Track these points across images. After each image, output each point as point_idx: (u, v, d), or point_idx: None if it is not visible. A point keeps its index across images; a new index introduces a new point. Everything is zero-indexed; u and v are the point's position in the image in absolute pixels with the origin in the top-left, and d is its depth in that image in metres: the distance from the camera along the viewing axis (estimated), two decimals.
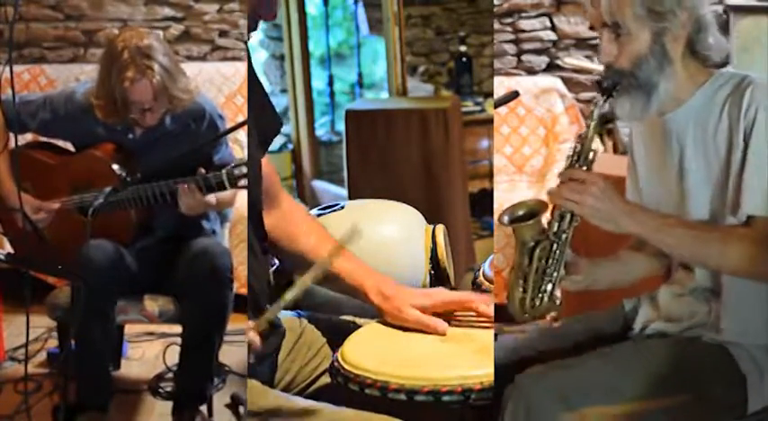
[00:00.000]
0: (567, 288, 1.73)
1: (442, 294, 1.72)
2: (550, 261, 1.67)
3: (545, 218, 1.68)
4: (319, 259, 1.73)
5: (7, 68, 2.05)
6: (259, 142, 1.78)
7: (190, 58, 4.11)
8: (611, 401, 1.61)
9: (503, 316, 1.77)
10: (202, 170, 2.43)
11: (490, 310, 1.66)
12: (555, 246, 1.66)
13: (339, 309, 2.01)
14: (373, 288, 1.72)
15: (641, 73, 1.65)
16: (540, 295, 1.68)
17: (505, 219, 1.68)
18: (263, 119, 1.78)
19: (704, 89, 1.69)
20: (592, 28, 3.84)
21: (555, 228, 1.65)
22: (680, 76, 1.68)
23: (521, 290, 1.69)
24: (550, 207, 1.67)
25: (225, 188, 2.42)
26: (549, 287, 1.68)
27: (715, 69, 1.71)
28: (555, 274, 1.67)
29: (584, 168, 1.64)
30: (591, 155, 1.65)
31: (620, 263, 1.87)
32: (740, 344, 1.68)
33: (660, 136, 1.76)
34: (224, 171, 2.40)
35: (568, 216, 1.64)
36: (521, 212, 1.68)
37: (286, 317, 1.83)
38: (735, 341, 1.69)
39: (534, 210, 1.67)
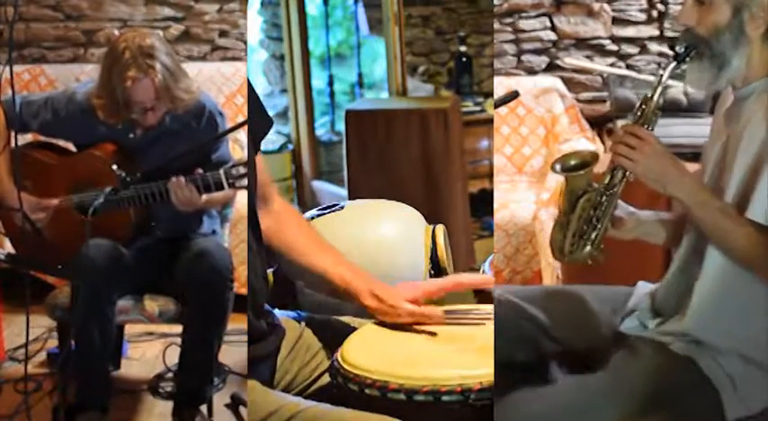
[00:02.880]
0: (615, 236, 1.80)
1: (429, 283, 1.76)
2: (597, 211, 1.73)
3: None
4: (311, 264, 1.75)
5: (7, 68, 2.05)
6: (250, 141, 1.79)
7: (190, 58, 4.12)
8: None
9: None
10: (200, 170, 2.42)
11: (481, 280, 1.70)
12: (603, 198, 1.72)
13: (338, 309, 2.01)
14: (365, 291, 1.73)
15: (717, 44, 1.68)
16: (583, 242, 1.75)
17: (557, 167, 1.75)
18: (252, 117, 1.79)
19: (765, 81, 1.70)
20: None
21: (606, 181, 1.71)
22: (754, 58, 1.69)
23: (561, 235, 1.75)
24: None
25: (223, 187, 2.42)
26: (594, 235, 1.74)
27: None
28: (600, 225, 1.73)
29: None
30: (654, 118, 1.69)
31: (670, 222, 1.89)
32: (709, 356, 1.68)
33: (726, 107, 1.77)
34: (222, 170, 2.40)
35: (621, 172, 1.70)
36: (572, 162, 1.75)
37: (285, 317, 1.83)
38: (701, 339, 1.69)
39: (586, 161, 1.73)
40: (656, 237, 1.89)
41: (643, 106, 1.71)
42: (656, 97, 1.70)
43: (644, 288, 1.91)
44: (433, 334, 1.66)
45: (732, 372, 1.66)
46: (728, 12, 1.66)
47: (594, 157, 1.74)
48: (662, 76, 1.70)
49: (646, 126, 1.70)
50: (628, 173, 1.70)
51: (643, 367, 1.70)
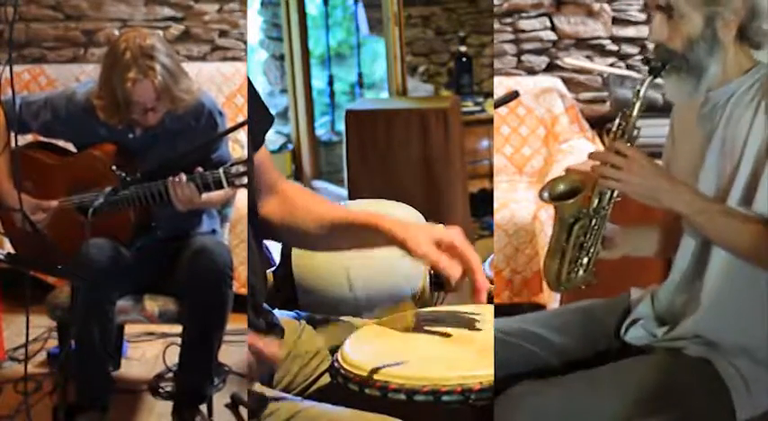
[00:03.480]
0: (605, 258, 1.77)
1: (455, 236, 1.58)
2: (588, 236, 1.71)
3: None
4: (335, 218, 1.71)
5: (7, 68, 2.05)
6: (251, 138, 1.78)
7: (190, 58, 4.12)
8: None
9: (502, 313, 1.78)
10: (200, 169, 2.43)
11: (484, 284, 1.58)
12: (594, 221, 1.69)
13: (338, 309, 2.00)
14: (389, 221, 1.63)
15: (692, 55, 1.67)
16: (577, 268, 1.73)
17: (545, 195, 1.71)
18: (253, 114, 1.78)
19: (744, 78, 1.69)
20: (647, 6, 3.86)
21: (595, 205, 1.69)
22: (729, 60, 1.69)
23: (557, 263, 1.73)
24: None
25: (222, 186, 2.42)
26: (586, 260, 1.73)
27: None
28: (592, 249, 1.72)
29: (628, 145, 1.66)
30: (634, 133, 1.67)
31: (658, 233, 1.88)
32: (723, 357, 1.67)
33: (699, 109, 1.76)
34: (221, 169, 2.40)
35: (609, 193, 1.68)
36: (561, 187, 1.71)
37: (285, 317, 1.83)
38: (715, 340, 1.68)
39: (575, 187, 1.70)
40: (645, 250, 1.88)
41: (622, 122, 1.68)
42: (635, 112, 1.67)
43: (637, 294, 1.89)
44: (433, 334, 1.66)
45: (745, 373, 1.66)
46: (700, 22, 1.65)
47: (583, 182, 1.70)
48: (639, 90, 1.68)
49: (627, 142, 1.66)
50: (615, 193, 1.67)
51: (651, 365, 1.69)
